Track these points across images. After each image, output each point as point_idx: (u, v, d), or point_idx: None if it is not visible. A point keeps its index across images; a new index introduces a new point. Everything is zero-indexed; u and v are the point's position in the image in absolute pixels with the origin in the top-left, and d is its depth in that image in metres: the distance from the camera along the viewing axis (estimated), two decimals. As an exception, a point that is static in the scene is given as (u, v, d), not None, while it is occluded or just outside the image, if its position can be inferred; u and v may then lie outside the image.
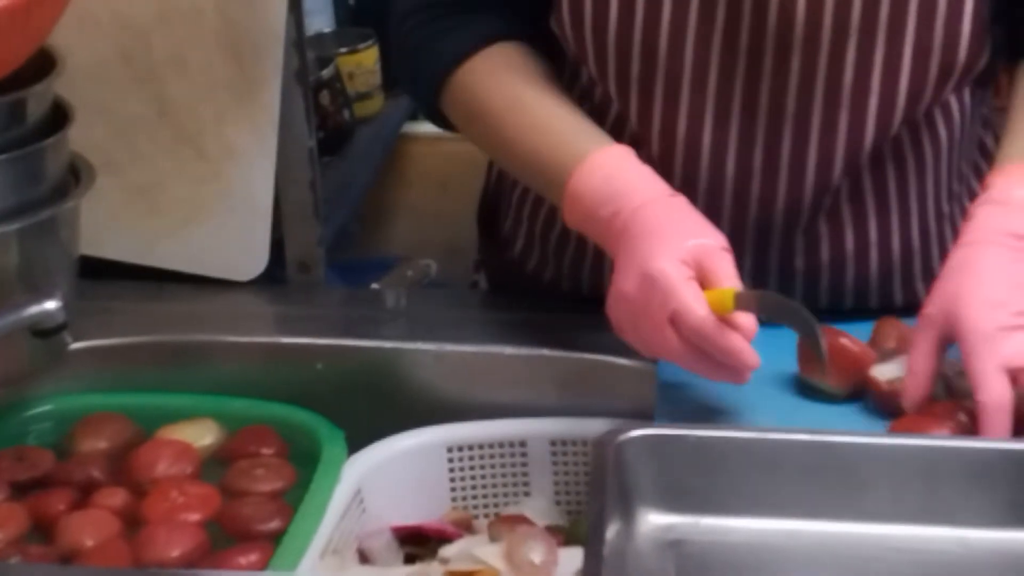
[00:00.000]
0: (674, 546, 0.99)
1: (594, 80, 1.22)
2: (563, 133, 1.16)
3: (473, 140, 1.26)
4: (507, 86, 1.19)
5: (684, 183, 1.21)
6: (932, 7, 1.13)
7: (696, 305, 1.02)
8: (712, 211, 1.21)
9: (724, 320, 1.02)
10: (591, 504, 0.95)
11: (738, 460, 1.00)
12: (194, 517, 1.08)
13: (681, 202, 1.10)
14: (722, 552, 0.99)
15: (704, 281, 1.04)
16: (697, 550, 0.99)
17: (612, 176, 1.11)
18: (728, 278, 1.04)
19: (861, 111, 1.16)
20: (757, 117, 1.17)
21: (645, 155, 1.21)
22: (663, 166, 1.21)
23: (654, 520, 1.00)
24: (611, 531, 0.94)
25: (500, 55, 1.21)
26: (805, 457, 1.00)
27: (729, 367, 1.04)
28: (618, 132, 1.21)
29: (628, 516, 0.99)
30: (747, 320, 1.03)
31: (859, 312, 1.25)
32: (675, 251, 1.05)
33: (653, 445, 1.01)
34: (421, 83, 1.26)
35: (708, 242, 1.06)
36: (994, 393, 1.00)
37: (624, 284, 1.06)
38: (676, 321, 1.03)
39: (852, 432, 1.03)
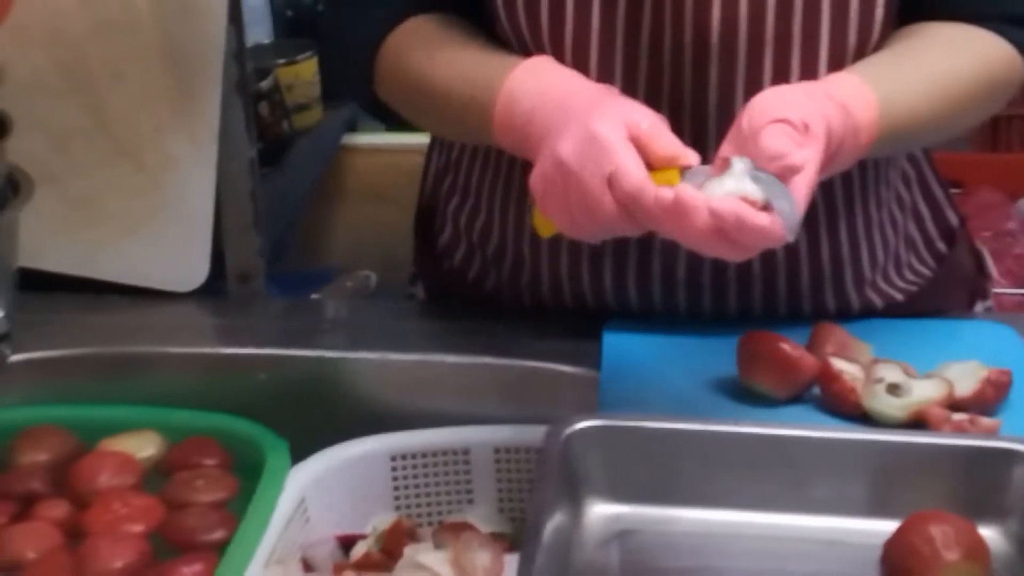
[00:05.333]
0: (620, 536, 1.00)
1: None
2: (485, 59, 1.14)
3: (410, 114, 1.24)
4: (427, 44, 1.19)
5: None
6: (845, 9, 1.15)
7: (634, 167, 0.98)
8: None
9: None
10: (534, 493, 0.96)
11: (686, 451, 1.01)
12: (137, 528, 1.07)
13: (615, 90, 1.08)
14: (667, 542, 1.00)
15: (646, 153, 1.00)
16: (642, 540, 1.00)
17: (545, 70, 1.09)
18: (672, 147, 1.00)
19: None
20: (682, 127, 1.18)
21: None
22: None
23: (601, 510, 1.01)
24: (556, 521, 0.95)
25: (417, 24, 1.21)
26: (752, 449, 1.01)
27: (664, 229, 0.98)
28: None
29: (575, 506, 1.00)
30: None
31: (793, 317, 1.27)
32: (617, 116, 1.01)
33: (602, 436, 1.01)
34: (352, 78, 1.26)
35: (648, 115, 1.02)
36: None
37: (560, 147, 1.01)
38: (613, 184, 0.98)
39: (799, 425, 1.05)
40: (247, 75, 1.39)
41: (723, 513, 1.02)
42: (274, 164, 2.19)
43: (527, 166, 1.25)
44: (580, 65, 1.17)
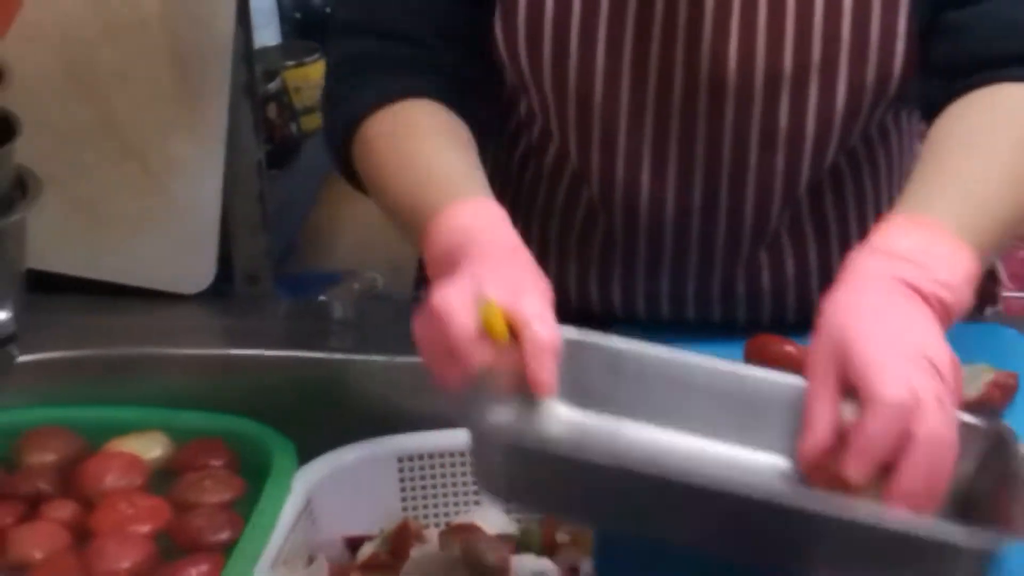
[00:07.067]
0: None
1: (534, 114, 1.22)
2: (434, 184, 1.07)
3: (373, 197, 1.18)
4: (399, 141, 1.13)
5: (625, 220, 1.22)
6: (864, 44, 1.12)
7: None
8: (653, 245, 1.22)
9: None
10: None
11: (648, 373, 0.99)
12: (143, 529, 1.08)
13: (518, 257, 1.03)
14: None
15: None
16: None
17: (464, 228, 1.02)
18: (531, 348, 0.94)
19: (797, 151, 1.17)
20: (694, 161, 1.17)
21: (586, 192, 1.22)
22: (603, 202, 1.22)
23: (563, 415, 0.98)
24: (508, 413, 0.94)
25: (403, 112, 1.15)
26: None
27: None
28: (559, 167, 1.23)
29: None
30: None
31: (802, 327, 1.26)
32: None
33: (566, 351, 0.97)
34: (332, 140, 1.20)
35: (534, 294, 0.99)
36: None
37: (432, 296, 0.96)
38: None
39: (752, 367, 1.02)
40: (255, 77, 1.39)
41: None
42: (282, 166, 2.19)
43: (535, 173, 1.26)
44: (584, 110, 1.17)
